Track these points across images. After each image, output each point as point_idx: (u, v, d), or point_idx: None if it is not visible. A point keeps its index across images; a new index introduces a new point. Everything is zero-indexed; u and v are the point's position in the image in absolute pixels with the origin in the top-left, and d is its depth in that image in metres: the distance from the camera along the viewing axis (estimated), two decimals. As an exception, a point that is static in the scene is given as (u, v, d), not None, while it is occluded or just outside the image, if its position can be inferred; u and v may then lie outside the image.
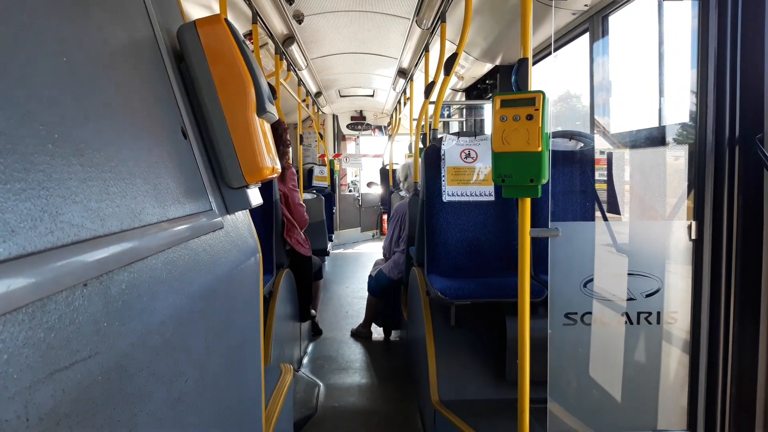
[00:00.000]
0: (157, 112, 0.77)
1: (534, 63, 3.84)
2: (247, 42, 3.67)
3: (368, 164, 10.06)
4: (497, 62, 4.52)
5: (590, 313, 1.73)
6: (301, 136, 6.02)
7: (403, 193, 4.22)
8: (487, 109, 5.66)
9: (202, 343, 0.74)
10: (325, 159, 8.43)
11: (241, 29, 3.71)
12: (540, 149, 1.47)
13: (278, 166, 1.05)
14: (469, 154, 2.59)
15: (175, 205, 0.72)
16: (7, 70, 0.43)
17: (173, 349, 0.63)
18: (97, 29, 0.64)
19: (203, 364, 0.74)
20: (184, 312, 0.67)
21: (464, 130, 6.37)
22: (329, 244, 6.88)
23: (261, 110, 0.94)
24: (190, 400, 0.68)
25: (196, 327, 0.72)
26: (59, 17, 0.54)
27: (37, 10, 0.50)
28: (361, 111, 9.48)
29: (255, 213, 1.08)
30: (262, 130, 0.97)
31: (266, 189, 2.65)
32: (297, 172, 3.78)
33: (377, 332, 4.10)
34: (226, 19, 0.93)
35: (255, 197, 1.03)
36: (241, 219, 1.07)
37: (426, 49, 4.10)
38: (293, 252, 3.12)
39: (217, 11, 2.79)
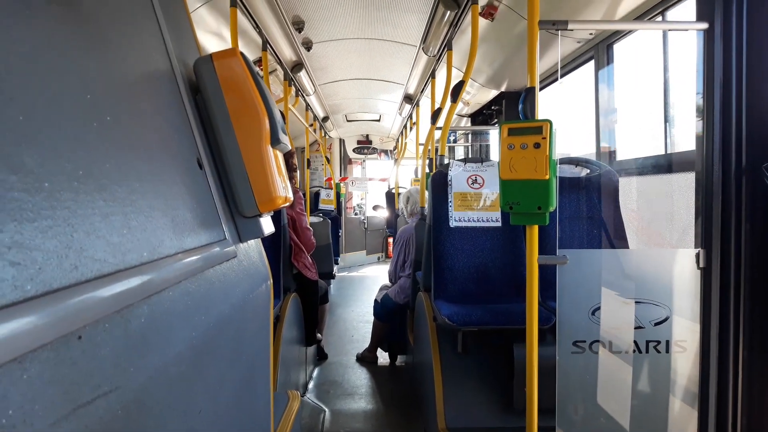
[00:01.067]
0: (174, 143, 0.78)
1: (540, 89, 3.88)
2: (257, 69, 3.74)
3: (374, 188, 10.10)
4: (503, 89, 4.56)
5: (598, 341, 1.71)
6: (308, 159, 6.07)
7: (407, 220, 4.24)
8: (493, 135, 5.69)
9: (215, 373, 0.74)
10: (332, 182, 8.47)
11: (251, 56, 3.78)
12: (547, 177, 1.48)
13: (290, 195, 1.06)
14: (475, 180, 2.60)
15: (191, 235, 0.73)
16: (36, 110, 0.45)
17: (188, 380, 0.64)
18: (118, 64, 0.66)
19: (216, 394, 0.75)
20: (198, 343, 0.67)
21: (470, 155, 6.41)
22: (335, 267, 6.87)
23: (275, 141, 0.96)
24: (203, 431, 0.68)
25: (210, 357, 0.72)
26: (83, 55, 0.56)
27: (63, 49, 0.52)
28: (367, 135, 9.55)
29: (263, 237, 1.09)
30: (276, 160, 0.98)
31: (275, 214, 2.66)
32: (304, 195, 3.80)
33: (383, 357, 4.07)
34: (241, 53, 0.96)
35: (267, 226, 1.04)
36: (253, 246, 1.08)
37: (432, 75, 4.15)
38: (300, 276, 3.12)
39: (228, 39, 2.85)
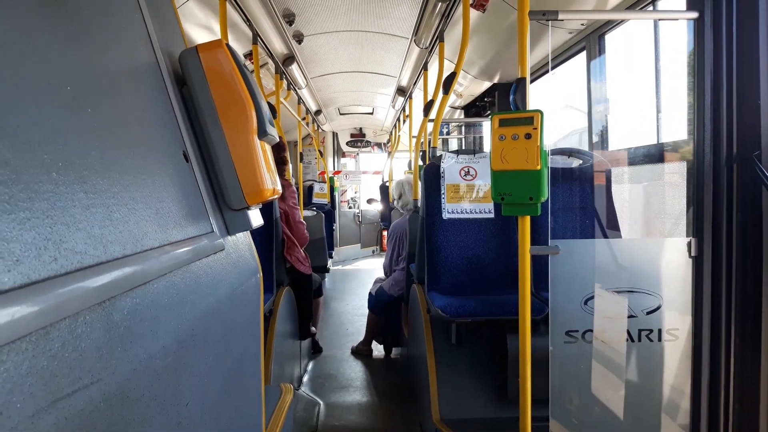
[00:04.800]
0: (159, 136, 0.77)
1: (531, 81, 3.87)
2: (248, 62, 3.71)
3: (368, 181, 10.08)
4: (495, 80, 4.55)
5: (591, 330, 1.72)
6: (301, 153, 6.05)
7: (401, 210, 4.21)
8: (486, 127, 5.68)
9: (203, 366, 0.74)
10: (325, 176, 8.45)
11: (241, 50, 3.75)
12: (539, 167, 1.48)
13: (279, 187, 1.05)
14: (468, 171, 2.60)
15: (176, 228, 0.72)
16: (12, 100, 0.44)
17: (174, 373, 0.63)
18: (101, 55, 0.65)
19: (204, 387, 0.74)
20: (185, 335, 0.67)
21: (463, 147, 6.40)
22: (329, 261, 6.87)
23: (262, 133, 0.95)
24: (191, 424, 0.68)
25: (197, 350, 0.72)
26: (62, 45, 0.55)
27: (41, 39, 0.51)
28: (360, 128, 9.52)
29: (255, 231, 1.08)
30: (263, 153, 0.98)
31: (267, 207, 2.65)
32: (297, 189, 3.79)
33: (378, 350, 4.07)
34: (227, 44, 0.95)
35: (256, 218, 1.03)
36: (242, 239, 1.07)
37: (425, 67, 4.14)
38: (293, 270, 3.11)
39: (218, 32, 2.82)
